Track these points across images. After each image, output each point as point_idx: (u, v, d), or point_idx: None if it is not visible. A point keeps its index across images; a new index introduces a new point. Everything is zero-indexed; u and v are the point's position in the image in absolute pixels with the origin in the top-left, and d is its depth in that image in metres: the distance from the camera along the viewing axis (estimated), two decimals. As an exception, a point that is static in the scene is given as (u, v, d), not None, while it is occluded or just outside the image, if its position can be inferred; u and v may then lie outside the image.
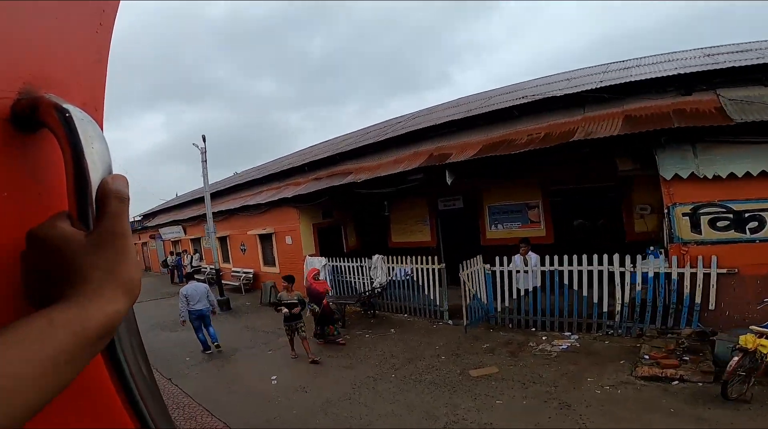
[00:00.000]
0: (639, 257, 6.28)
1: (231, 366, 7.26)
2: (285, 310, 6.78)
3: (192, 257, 16.09)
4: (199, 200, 19.27)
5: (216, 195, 19.69)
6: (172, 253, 19.21)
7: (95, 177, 0.38)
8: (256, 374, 6.62)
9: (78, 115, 0.38)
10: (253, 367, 7.05)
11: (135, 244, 25.79)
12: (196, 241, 18.04)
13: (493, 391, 5.08)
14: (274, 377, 6.34)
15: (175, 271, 17.66)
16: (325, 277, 9.91)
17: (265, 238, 13.50)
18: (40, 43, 0.44)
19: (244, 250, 14.76)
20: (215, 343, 7.74)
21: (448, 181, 8.20)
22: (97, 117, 0.51)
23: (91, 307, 0.35)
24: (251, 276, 14.25)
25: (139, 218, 33.15)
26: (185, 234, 18.78)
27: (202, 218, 15.55)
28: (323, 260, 10.62)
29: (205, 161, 12.40)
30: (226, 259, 16.01)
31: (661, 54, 10.59)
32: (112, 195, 0.38)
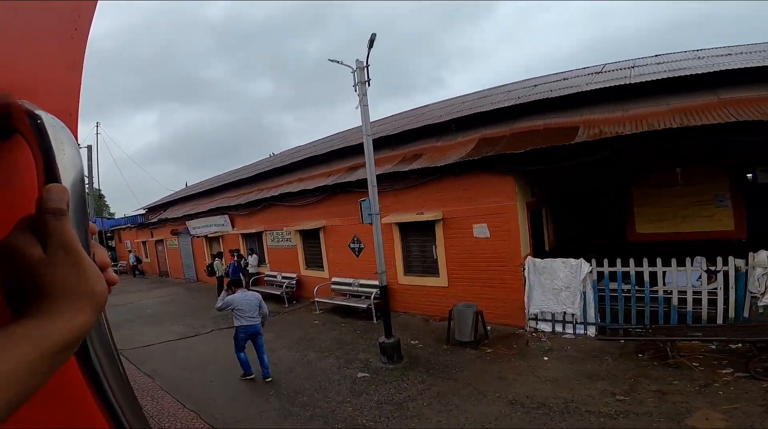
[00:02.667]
0: None
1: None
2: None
3: (245, 260, 14.43)
4: (246, 182, 17.01)
5: (237, 184, 18.12)
6: (219, 256, 14.32)
7: (67, 182, 0.39)
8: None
9: (50, 121, 0.39)
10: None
11: (146, 241, 23.95)
12: (253, 238, 14.57)
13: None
14: None
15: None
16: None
17: (417, 228, 9.50)
18: (13, 50, 0.44)
19: (358, 249, 10.82)
20: (266, 377, 6.39)
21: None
22: (72, 122, 0.53)
23: (53, 321, 0.35)
24: (294, 282, 12.40)
25: (143, 212, 31.21)
26: (233, 227, 15.96)
27: (272, 202, 13.75)
28: (583, 265, 6.88)
29: (365, 94, 7.29)
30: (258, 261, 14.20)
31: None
32: (47, 213, 0.38)
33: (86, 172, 20.73)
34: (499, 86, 14.30)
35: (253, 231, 14.23)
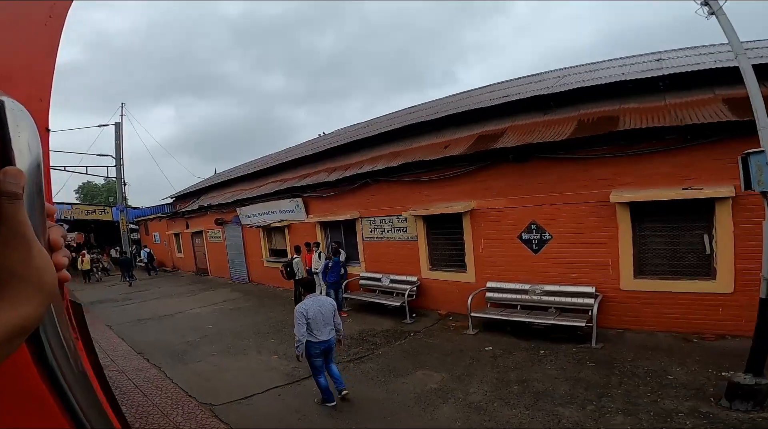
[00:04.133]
0: None
1: None
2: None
3: (321, 253, 10.91)
4: (309, 160, 13.53)
5: (296, 163, 14.56)
6: (298, 251, 10.80)
7: (23, 166, 0.39)
8: None
9: (9, 105, 0.39)
10: None
11: (179, 234, 20.56)
12: (338, 228, 11.03)
13: None
14: None
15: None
16: None
17: (672, 211, 6.05)
18: None
19: (537, 241, 7.30)
20: (342, 391, 5.14)
21: None
22: (43, 107, 0.54)
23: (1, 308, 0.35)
24: (415, 288, 8.86)
25: (171, 201, 27.95)
26: (307, 214, 11.88)
27: (377, 177, 10.31)
28: None
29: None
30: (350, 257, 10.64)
31: None
32: (2, 195, 0.36)
33: (116, 155, 17.45)
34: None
35: (339, 218, 10.67)
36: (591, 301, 6.49)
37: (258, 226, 13.62)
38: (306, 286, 5.21)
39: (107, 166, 17.91)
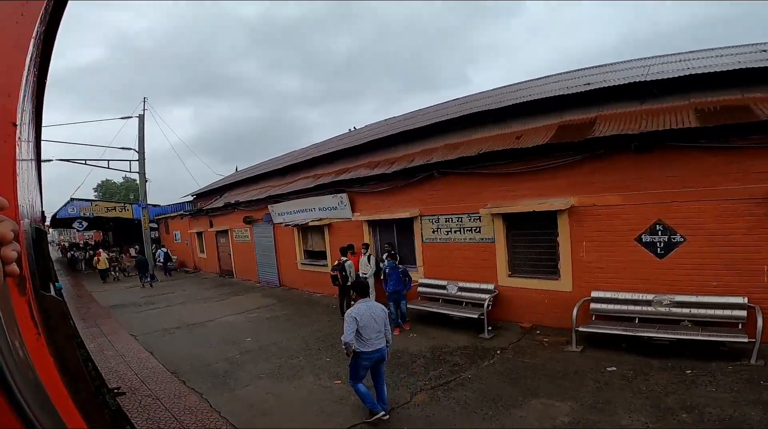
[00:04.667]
0: None
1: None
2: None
3: (370, 257, 9.61)
4: (349, 153, 11.99)
5: (333, 157, 13.29)
6: (343, 253, 9.51)
7: None
8: None
9: None
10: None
11: (202, 233, 19.46)
12: (390, 228, 9.61)
13: None
14: None
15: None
16: None
17: None
18: None
19: (664, 245, 5.86)
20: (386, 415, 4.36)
21: None
22: (11, 102, 0.54)
23: None
24: (492, 298, 7.46)
25: (191, 198, 27.04)
26: (353, 212, 10.49)
27: (445, 169, 9.05)
28: None
29: None
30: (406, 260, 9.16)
31: None
32: None
33: (137, 147, 16.42)
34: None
35: (393, 217, 9.37)
36: (742, 313, 5.23)
37: (293, 225, 12.39)
38: (359, 289, 4.68)
39: (129, 160, 16.93)
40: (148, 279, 16.49)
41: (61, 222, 27.19)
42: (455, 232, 8.32)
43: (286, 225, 12.59)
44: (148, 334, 8.86)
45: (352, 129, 20.52)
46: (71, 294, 15.45)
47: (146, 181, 24.89)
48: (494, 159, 7.50)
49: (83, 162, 16.25)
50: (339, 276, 8.79)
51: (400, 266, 7.72)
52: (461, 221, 8.19)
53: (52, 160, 15.72)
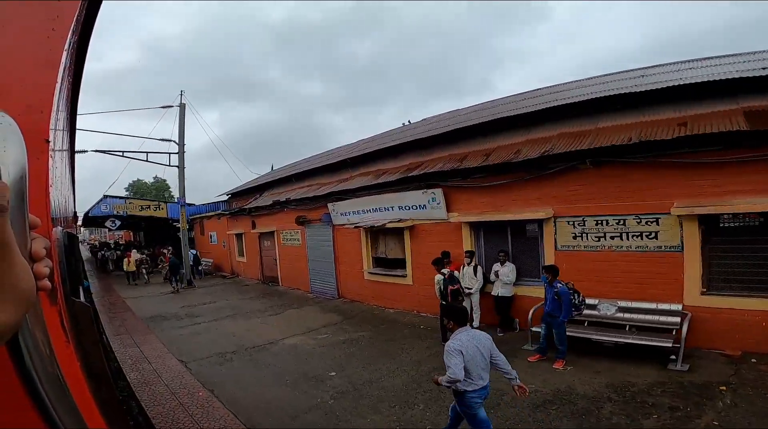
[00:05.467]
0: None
1: None
2: None
3: (477, 268, 7.54)
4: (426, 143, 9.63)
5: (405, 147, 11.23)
6: (438, 263, 7.14)
7: (7, 179, 0.40)
8: None
9: None
10: None
11: (242, 234, 17.73)
12: (503, 231, 7.60)
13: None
14: None
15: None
16: None
17: None
18: None
19: None
20: None
21: None
22: (43, 119, 0.55)
23: None
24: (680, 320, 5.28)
25: (226, 198, 25.62)
26: (448, 212, 8.35)
27: (608, 157, 7.16)
28: None
29: None
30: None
31: None
32: None
33: (177, 137, 14.92)
34: None
35: (508, 218, 7.29)
36: None
37: (361, 227, 10.44)
38: (456, 316, 3.71)
39: (169, 153, 15.42)
40: (177, 282, 14.96)
41: (93, 220, 26.13)
42: (612, 238, 6.16)
43: (355, 226, 10.63)
44: (201, 361, 7.00)
45: (407, 123, 18.56)
46: (102, 300, 13.94)
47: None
48: (687, 146, 5.35)
49: (120, 154, 14.81)
50: (457, 289, 6.73)
51: (560, 284, 5.56)
52: (623, 225, 6.03)
53: (87, 151, 14.34)
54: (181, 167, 15.71)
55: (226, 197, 25.38)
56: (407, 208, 9.14)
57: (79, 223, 21.55)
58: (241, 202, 22.52)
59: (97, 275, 23.86)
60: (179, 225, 17.24)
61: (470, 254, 7.60)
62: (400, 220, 9.43)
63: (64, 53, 0.57)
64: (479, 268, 7.51)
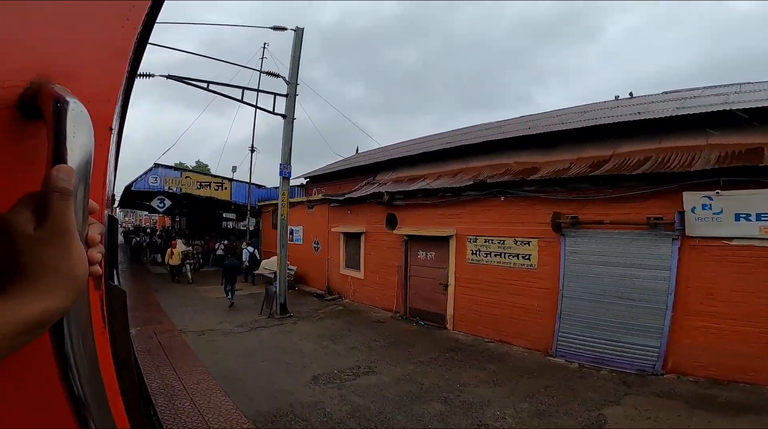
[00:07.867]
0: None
1: None
2: None
3: None
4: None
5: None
6: None
7: (73, 164, 0.39)
8: None
9: (72, 106, 0.40)
10: None
11: (361, 235, 11.67)
12: None
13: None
14: None
15: None
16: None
17: None
18: (55, 37, 0.46)
19: None
20: None
21: None
22: (109, 108, 0.55)
23: (22, 303, 0.35)
24: None
25: (304, 182, 19.81)
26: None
27: None
28: None
29: None
30: None
31: None
32: (54, 190, 0.37)
33: (288, 75, 9.22)
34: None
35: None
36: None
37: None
38: None
39: (274, 94, 9.55)
40: (233, 293, 11.05)
41: (135, 197, 20.45)
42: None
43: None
44: None
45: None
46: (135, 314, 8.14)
47: (253, 150, 17.95)
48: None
49: (204, 85, 9.01)
50: None
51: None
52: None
53: (154, 76, 8.62)
54: (289, 118, 9.81)
55: (302, 181, 19.60)
56: None
57: (116, 205, 16.21)
58: (327, 189, 16.67)
59: (129, 266, 18.56)
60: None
61: None
62: None
63: (133, 45, 0.57)
64: None
